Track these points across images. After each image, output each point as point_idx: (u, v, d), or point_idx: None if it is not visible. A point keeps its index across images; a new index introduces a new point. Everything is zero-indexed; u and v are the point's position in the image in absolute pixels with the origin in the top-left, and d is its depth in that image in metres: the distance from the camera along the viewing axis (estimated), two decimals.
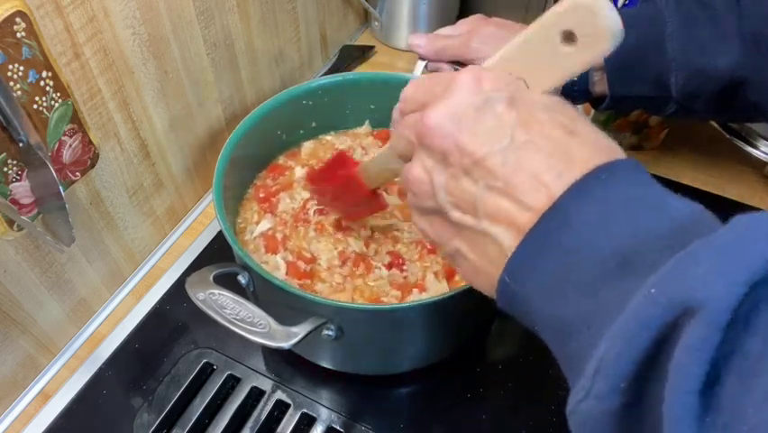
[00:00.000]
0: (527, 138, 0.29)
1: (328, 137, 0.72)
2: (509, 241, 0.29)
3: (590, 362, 0.25)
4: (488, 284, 0.31)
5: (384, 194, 0.56)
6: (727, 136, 0.78)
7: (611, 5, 0.29)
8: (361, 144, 0.70)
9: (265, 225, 0.61)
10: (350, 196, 0.53)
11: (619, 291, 0.25)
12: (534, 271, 0.28)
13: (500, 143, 0.30)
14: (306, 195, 0.63)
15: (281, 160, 0.69)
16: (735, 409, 0.21)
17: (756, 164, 0.79)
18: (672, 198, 0.28)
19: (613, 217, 0.27)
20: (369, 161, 0.50)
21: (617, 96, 0.61)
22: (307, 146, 0.70)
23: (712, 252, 0.23)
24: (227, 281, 0.50)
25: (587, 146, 0.29)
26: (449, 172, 0.32)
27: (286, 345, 0.45)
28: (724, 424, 0.21)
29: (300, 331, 0.46)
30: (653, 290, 0.23)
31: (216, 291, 0.48)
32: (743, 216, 0.24)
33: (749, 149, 0.76)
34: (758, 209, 0.77)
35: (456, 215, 0.32)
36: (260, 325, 0.46)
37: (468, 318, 0.59)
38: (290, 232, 0.60)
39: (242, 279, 0.53)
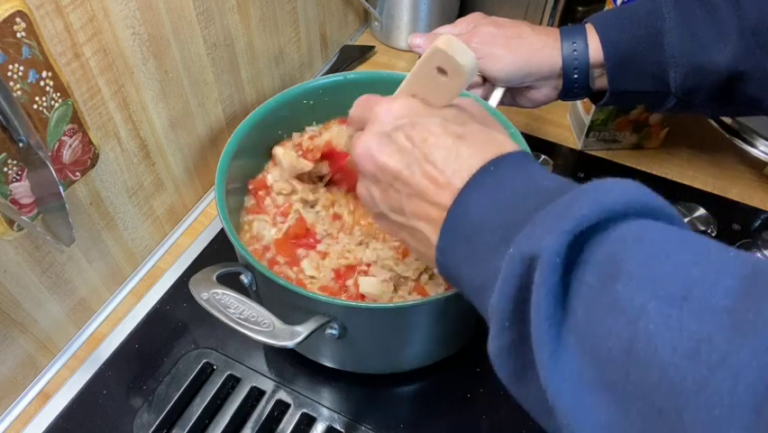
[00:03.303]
0: (426, 151, 0.37)
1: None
2: (431, 231, 0.37)
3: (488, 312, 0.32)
4: (430, 261, 0.39)
5: None
6: (727, 136, 0.78)
7: (463, 48, 0.37)
8: None
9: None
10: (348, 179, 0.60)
11: (503, 256, 0.31)
12: (453, 249, 0.36)
13: (408, 160, 0.38)
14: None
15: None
16: (584, 328, 0.27)
17: (756, 164, 0.79)
18: (545, 176, 0.35)
19: (499, 199, 0.34)
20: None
21: (617, 91, 0.61)
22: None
23: (550, 214, 0.30)
24: (230, 281, 0.50)
25: (475, 146, 0.37)
26: (380, 187, 0.41)
27: (290, 343, 0.45)
28: (577, 338, 0.27)
29: (304, 330, 0.47)
30: (511, 250, 0.30)
31: (220, 291, 0.48)
32: (583, 185, 0.31)
33: (749, 148, 0.77)
34: (758, 209, 0.77)
35: (393, 216, 0.41)
36: (265, 324, 0.46)
37: (469, 318, 0.59)
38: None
39: (245, 278, 0.53)
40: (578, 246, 0.29)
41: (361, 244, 0.58)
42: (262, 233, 0.60)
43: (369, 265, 0.56)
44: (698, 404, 0.23)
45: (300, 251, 0.58)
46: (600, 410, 0.26)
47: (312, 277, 0.56)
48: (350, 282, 0.55)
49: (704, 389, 0.23)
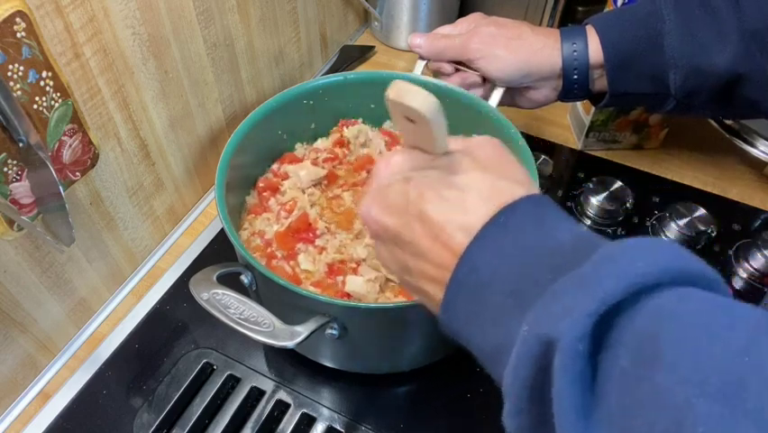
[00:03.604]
0: (422, 207, 0.34)
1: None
2: (437, 292, 0.35)
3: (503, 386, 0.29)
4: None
5: None
6: (727, 136, 0.78)
7: (414, 90, 0.33)
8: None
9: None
10: None
11: (516, 323, 0.28)
12: (458, 312, 0.33)
13: (405, 219, 0.35)
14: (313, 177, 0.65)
15: (299, 150, 0.70)
16: (619, 419, 0.24)
17: (756, 164, 0.79)
18: (560, 227, 0.32)
19: (509, 257, 0.31)
20: None
21: (617, 93, 0.61)
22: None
23: (569, 288, 0.27)
24: (230, 281, 0.50)
25: (480, 197, 0.33)
26: (387, 247, 0.38)
27: (290, 344, 0.45)
28: (610, 428, 0.24)
29: (304, 330, 0.47)
30: (525, 328, 0.27)
31: (220, 291, 0.48)
32: (606, 248, 0.28)
33: (749, 149, 0.77)
34: (758, 209, 0.77)
35: (404, 276, 0.38)
36: (265, 324, 0.46)
37: None
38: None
39: (245, 278, 0.53)
40: (605, 322, 0.26)
41: (357, 237, 0.59)
42: (265, 228, 0.61)
43: (358, 264, 0.57)
44: None
45: (300, 245, 0.59)
46: None
47: (307, 271, 0.57)
48: (340, 279, 0.56)
49: None
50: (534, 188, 0.35)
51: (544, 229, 0.32)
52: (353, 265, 0.57)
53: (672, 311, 0.25)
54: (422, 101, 0.33)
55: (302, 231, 0.60)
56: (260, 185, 0.65)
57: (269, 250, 0.59)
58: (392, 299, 0.55)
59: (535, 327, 0.27)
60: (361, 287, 0.54)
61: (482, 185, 0.34)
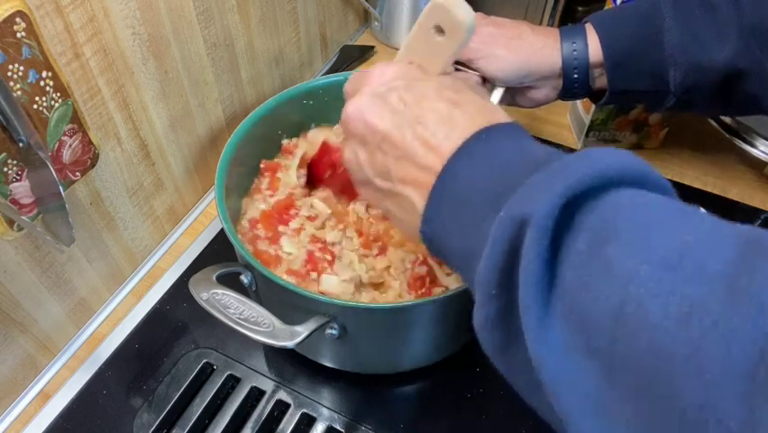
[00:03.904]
0: (419, 113, 0.37)
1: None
2: (418, 198, 0.36)
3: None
4: (413, 232, 0.38)
5: None
6: (727, 136, 0.78)
7: (462, 2, 0.37)
8: None
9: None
10: (340, 178, 0.59)
11: (492, 222, 0.30)
12: (440, 217, 0.35)
13: (399, 121, 0.37)
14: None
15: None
16: (572, 293, 0.27)
17: (756, 164, 0.79)
18: (537, 146, 0.35)
19: (489, 166, 0.34)
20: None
21: (617, 90, 0.61)
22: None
23: (544, 177, 0.30)
24: (230, 281, 0.50)
25: (468, 113, 0.36)
26: (368, 150, 0.40)
27: (290, 344, 0.45)
28: (564, 304, 0.27)
29: (304, 330, 0.47)
30: (501, 213, 0.30)
31: (220, 291, 0.48)
32: (582, 150, 0.30)
33: (749, 148, 0.76)
34: (758, 209, 0.77)
35: (378, 182, 0.40)
36: (264, 324, 0.46)
37: (469, 318, 0.59)
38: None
39: (245, 278, 0.53)
40: (569, 213, 0.28)
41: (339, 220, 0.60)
42: (247, 209, 0.62)
43: (333, 260, 0.56)
44: (688, 371, 0.22)
45: (281, 227, 0.59)
46: (586, 378, 0.26)
47: (289, 253, 0.57)
48: (314, 275, 0.56)
49: (696, 354, 0.22)
50: (509, 119, 0.38)
51: (521, 146, 0.35)
52: (328, 258, 0.56)
53: (630, 202, 0.28)
54: (469, 14, 0.37)
55: (285, 210, 0.60)
56: (261, 166, 0.65)
57: (254, 232, 0.59)
58: (367, 300, 0.55)
59: (511, 209, 0.29)
60: (336, 287, 0.54)
61: (475, 103, 0.37)
